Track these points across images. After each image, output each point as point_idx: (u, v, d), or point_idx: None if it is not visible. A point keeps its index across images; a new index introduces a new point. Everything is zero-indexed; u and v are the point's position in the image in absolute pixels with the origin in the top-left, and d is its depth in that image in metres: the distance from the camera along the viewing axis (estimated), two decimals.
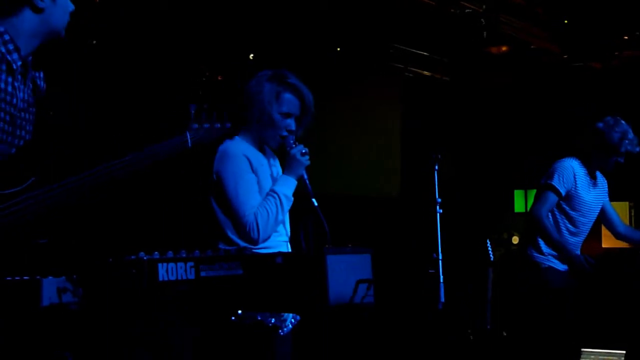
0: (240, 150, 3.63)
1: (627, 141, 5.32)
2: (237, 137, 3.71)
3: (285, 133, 3.70)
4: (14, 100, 2.77)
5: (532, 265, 5.46)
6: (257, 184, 3.63)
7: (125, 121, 6.10)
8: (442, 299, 5.31)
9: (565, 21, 7.50)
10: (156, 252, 2.71)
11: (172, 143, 2.97)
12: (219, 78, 7.64)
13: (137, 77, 6.42)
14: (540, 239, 5.42)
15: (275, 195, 3.59)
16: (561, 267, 5.44)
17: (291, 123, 3.73)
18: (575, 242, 5.49)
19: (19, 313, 2.75)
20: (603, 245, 7.76)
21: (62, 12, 2.84)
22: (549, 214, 5.40)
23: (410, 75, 8.97)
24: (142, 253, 2.69)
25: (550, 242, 5.37)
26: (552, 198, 5.35)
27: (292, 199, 3.65)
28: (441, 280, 5.34)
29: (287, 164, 3.69)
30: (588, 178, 5.45)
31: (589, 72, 8.90)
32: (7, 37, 2.74)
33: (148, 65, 6.54)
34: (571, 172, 5.37)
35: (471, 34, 7.86)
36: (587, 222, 5.52)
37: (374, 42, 8.08)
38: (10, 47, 2.75)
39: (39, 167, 2.77)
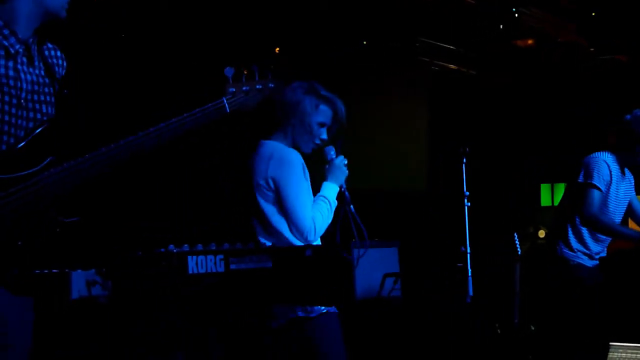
0: (297, 157, 3.80)
1: None
2: (280, 143, 3.87)
3: (318, 141, 3.93)
4: (20, 84, 2.77)
5: (561, 261, 5.43)
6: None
7: (152, 100, 6.11)
8: (471, 293, 5.30)
9: (593, 14, 7.43)
10: (186, 245, 2.72)
11: (206, 109, 2.86)
12: (245, 72, 7.64)
13: (163, 74, 6.44)
14: (571, 235, 5.40)
15: (326, 200, 3.81)
16: (589, 263, 5.42)
17: (324, 132, 3.95)
18: (604, 238, 5.46)
19: (49, 306, 2.76)
20: None
21: None
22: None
23: (437, 69, 8.93)
24: (171, 246, 2.69)
25: (616, 234, 5.34)
26: (598, 195, 5.29)
27: (336, 203, 3.86)
28: (469, 274, 5.32)
29: (331, 172, 3.91)
30: (620, 173, 5.41)
31: (616, 65, 8.82)
32: (0, 22, 2.76)
33: (176, 63, 6.56)
34: (606, 167, 5.33)
35: (497, 27, 7.82)
36: (616, 216, 5.48)
37: (400, 35, 8.05)
38: (6, 32, 2.76)
39: (57, 146, 2.76)
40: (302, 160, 3.84)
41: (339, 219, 3.85)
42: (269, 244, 3.69)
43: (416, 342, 6.34)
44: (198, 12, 6.42)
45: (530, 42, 8.59)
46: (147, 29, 6.32)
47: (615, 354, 4.84)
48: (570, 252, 5.41)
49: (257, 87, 2.96)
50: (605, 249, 5.55)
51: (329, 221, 3.82)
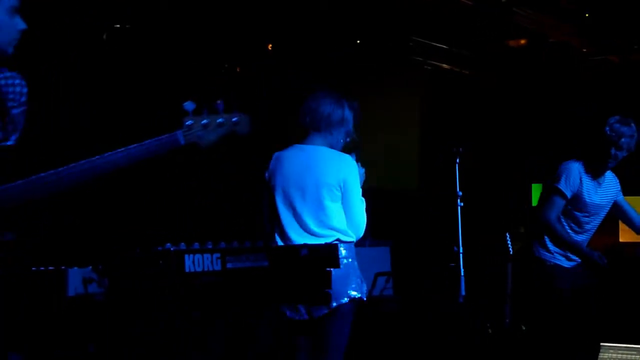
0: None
1: (631, 141, 5.34)
2: (328, 148, 4.24)
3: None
4: None
5: (538, 263, 5.47)
6: None
7: (131, 115, 6.09)
8: (463, 292, 5.31)
9: (587, 14, 7.45)
10: (182, 243, 2.73)
11: (160, 141, 2.75)
12: (238, 69, 7.66)
13: (154, 71, 6.43)
14: (547, 238, 5.44)
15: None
16: (567, 264, 5.46)
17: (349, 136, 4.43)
18: (581, 241, 5.50)
19: (45, 303, 2.77)
20: (620, 240, 7.74)
21: (5, 31, 2.79)
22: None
23: (430, 68, 8.95)
24: (168, 244, 2.71)
25: (564, 245, 5.39)
26: (560, 201, 5.35)
27: None
28: (462, 274, 5.34)
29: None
30: (593, 179, 5.45)
31: (607, 66, 8.85)
32: None
33: (166, 59, 6.55)
34: (577, 174, 5.38)
35: (490, 27, 7.84)
36: (592, 222, 5.53)
37: (393, 35, 8.06)
38: None
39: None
40: None
41: None
42: (315, 240, 3.93)
43: (408, 341, 6.36)
44: (192, 13, 6.43)
45: (522, 42, 8.60)
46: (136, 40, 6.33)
47: (606, 354, 4.86)
48: (547, 254, 5.45)
49: (219, 120, 2.83)
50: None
51: None
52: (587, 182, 5.40)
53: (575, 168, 5.38)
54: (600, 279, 5.51)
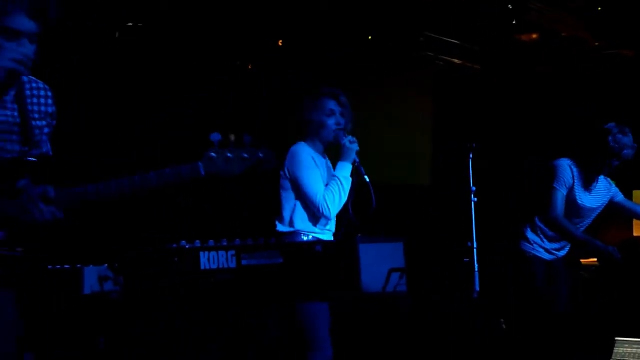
0: (303, 148, 4.56)
1: (632, 152, 5.38)
2: (298, 142, 4.59)
3: (334, 127, 4.65)
4: None
5: (518, 255, 5.54)
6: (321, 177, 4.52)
7: (142, 115, 6.09)
8: (477, 288, 5.32)
9: (599, 8, 7.43)
10: (197, 241, 2.74)
11: (182, 170, 2.76)
12: (249, 67, 7.66)
13: (167, 70, 6.44)
14: (528, 230, 5.51)
15: (336, 178, 4.50)
16: (547, 256, 5.52)
17: (334, 118, 4.68)
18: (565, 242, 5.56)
19: (62, 300, 2.79)
20: (635, 234, 7.72)
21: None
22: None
23: (441, 63, 8.92)
24: (183, 242, 2.71)
25: (575, 240, 5.44)
26: (560, 198, 5.40)
27: (350, 179, 4.58)
28: (476, 269, 5.34)
29: (342, 153, 4.60)
30: (583, 180, 5.48)
31: (621, 60, 8.81)
32: None
33: (179, 57, 6.56)
34: (569, 172, 5.43)
35: (502, 22, 7.82)
36: (579, 222, 5.57)
37: (404, 30, 8.05)
38: None
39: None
40: (316, 155, 4.59)
41: (354, 189, 4.59)
42: (285, 229, 4.34)
43: (422, 337, 6.36)
44: (200, 11, 6.44)
45: (534, 36, 8.57)
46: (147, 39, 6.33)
47: (621, 349, 4.86)
48: (527, 245, 5.55)
49: (244, 155, 2.79)
50: (567, 249, 5.63)
51: (345, 196, 4.53)
52: (578, 181, 5.45)
53: (567, 166, 5.44)
54: (614, 273, 5.52)
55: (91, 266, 2.93)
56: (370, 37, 7.90)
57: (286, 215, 4.42)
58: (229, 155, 2.77)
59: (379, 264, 6.75)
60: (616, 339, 5.04)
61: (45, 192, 2.66)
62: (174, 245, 2.71)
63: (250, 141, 2.82)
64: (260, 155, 2.82)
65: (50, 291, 2.69)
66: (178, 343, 3.00)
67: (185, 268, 2.67)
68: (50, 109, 2.95)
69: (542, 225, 5.54)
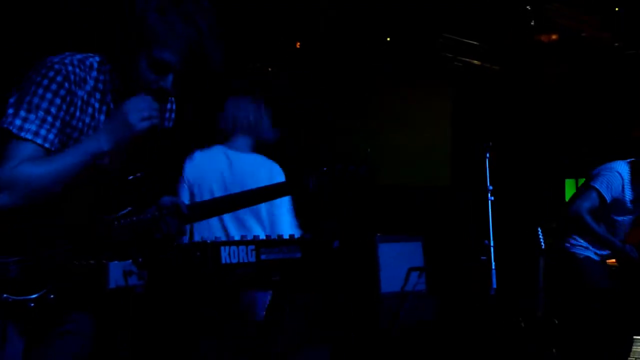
0: None
1: None
2: None
3: None
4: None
5: (569, 257, 5.49)
6: None
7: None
8: (495, 286, 5.34)
9: (617, 9, 7.43)
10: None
11: (288, 185, 3.01)
12: (269, 69, 7.72)
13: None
14: (574, 233, 5.46)
15: None
16: (597, 257, 5.48)
17: None
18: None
19: (87, 295, 2.84)
20: None
21: None
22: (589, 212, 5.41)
23: (460, 64, 8.96)
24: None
25: (594, 238, 5.39)
26: (596, 201, 5.35)
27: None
28: (493, 267, 5.37)
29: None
30: (636, 182, 5.42)
31: None
32: None
33: None
34: (619, 180, 5.36)
35: (521, 22, 7.84)
36: (626, 223, 5.54)
37: (423, 32, 8.09)
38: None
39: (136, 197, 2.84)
40: None
41: None
42: None
43: (442, 336, 6.40)
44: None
45: (554, 37, 8.58)
46: None
47: None
48: (578, 247, 5.47)
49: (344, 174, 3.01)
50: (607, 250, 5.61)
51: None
52: (629, 186, 5.39)
53: (618, 174, 5.36)
54: (633, 272, 5.53)
55: (116, 261, 3.00)
56: (388, 39, 7.95)
57: None
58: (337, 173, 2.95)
59: (398, 263, 6.83)
60: (634, 337, 5.06)
61: (177, 207, 2.73)
62: (196, 240, 2.78)
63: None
64: (362, 171, 3.00)
65: (75, 285, 2.75)
66: (199, 336, 3.07)
67: (207, 262, 2.75)
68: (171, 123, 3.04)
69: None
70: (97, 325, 2.82)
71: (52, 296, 2.56)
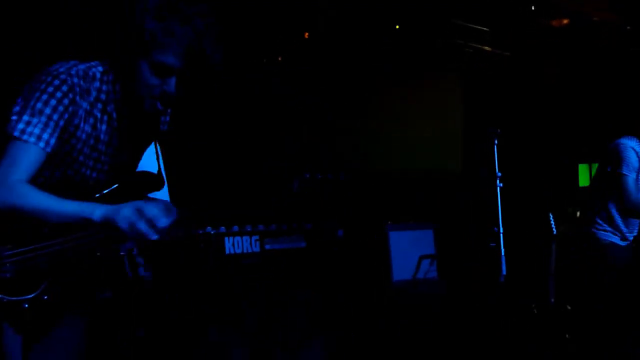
0: None
1: None
2: None
3: None
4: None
5: (593, 240, 5.47)
6: None
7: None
8: (504, 272, 5.34)
9: None
10: (222, 227, 2.83)
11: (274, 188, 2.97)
12: (279, 59, 7.73)
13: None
14: (603, 216, 5.44)
15: None
16: (622, 242, 5.45)
17: None
18: (635, 221, 5.50)
19: (81, 297, 2.87)
20: None
21: None
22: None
23: (471, 50, 8.93)
24: (209, 227, 2.80)
25: None
26: (631, 181, 5.32)
27: None
28: (502, 254, 5.36)
29: None
30: None
31: None
32: None
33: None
34: (634, 153, 5.33)
35: (531, 8, 7.81)
36: None
37: (434, 18, 8.07)
38: None
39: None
40: None
41: None
42: None
43: (454, 323, 6.40)
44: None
45: (565, 21, 8.54)
46: None
47: None
48: (602, 232, 5.44)
49: (329, 177, 3.00)
50: (636, 230, 5.58)
51: None
52: None
53: (630, 148, 5.34)
54: None
55: (122, 253, 3.02)
56: (397, 27, 7.94)
57: None
58: (318, 176, 2.94)
59: (410, 250, 6.85)
60: None
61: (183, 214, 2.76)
62: (200, 231, 2.80)
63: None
64: (342, 177, 2.98)
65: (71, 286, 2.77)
66: (205, 325, 3.09)
67: (210, 253, 2.76)
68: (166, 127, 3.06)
69: (615, 212, 5.47)
70: (92, 328, 2.85)
71: (46, 297, 2.59)
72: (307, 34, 7.36)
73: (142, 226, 2.54)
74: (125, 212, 2.55)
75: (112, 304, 2.88)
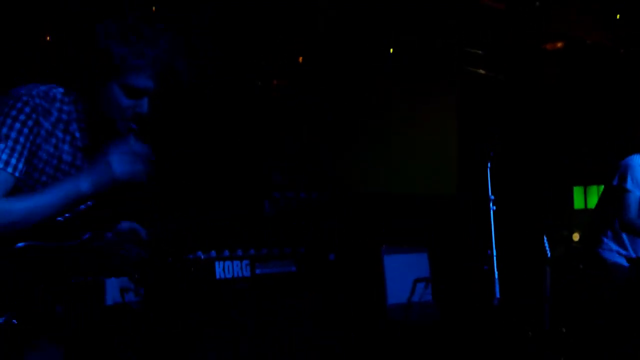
0: None
1: None
2: None
3: None
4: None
5: (599, 261, 5.45)
6: None
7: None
8: (498, 295, 5.32)
9: (618, 16, 7.43)
10: (213, 251, 2.82)
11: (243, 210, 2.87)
12: (275, 82, 7.75)
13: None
14: (610, 236, 5.43)
15: None
16: (627, 264, 5.45)
17: None
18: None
19: (85, 312, 2.86)
20: None
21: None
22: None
23: (465, 73, 8.95)
24: (199, 252, 2.80)
25: None
26: (633, 199, 5.32)
27: None
28: (496, 277, 5.35)
29: None
30: None
31: None
32: None
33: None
34: None
35: (526, 31, 7.85)
36: None
37: (429, 41, 8.10)
38: None
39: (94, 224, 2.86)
40: None
41: None
42: None
43: (449, 346, 6.39)
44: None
45: (559, 45, 8.58)
46: None
47: None
48: (609, 252, 5.43)
49: (301, 195, 2.92)
50: None
51: None
52: None
53: (638, 165, 5.35)
54: None
55: (113, 278, 3.02)
56: (391, 50, 7.97)
57: None
58: (288, 194, 2.86)
59: (404, 274, 6.83)
60: None
61: (135, 233, 2.74)
62: (190, 256, 2.80)
63: (304, 185, 2.93)
64: (313, 196, 2.90)
65: (73, 302, 2.77)
66: (195, 350, 3.08)
67: (201, 278, 2.76)
68: None
69: (623, 233, 5.44)
70: (66, 356, 2.83)
71: (14, 322, 2.58)
72: (300, 58, 7.38)
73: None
74: (114, 158, 2.58)
75: (89, 333, 2.86)
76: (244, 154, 6.16)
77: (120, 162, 2.59)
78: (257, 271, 2.85)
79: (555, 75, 9.13)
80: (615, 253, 5.43)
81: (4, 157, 2.58)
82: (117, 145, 2.63)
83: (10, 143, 2.59)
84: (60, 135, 2.72)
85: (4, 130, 2.59)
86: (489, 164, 5.52)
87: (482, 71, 9.07)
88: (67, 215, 2.73)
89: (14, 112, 2.61)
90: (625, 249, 5.46)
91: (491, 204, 5.42)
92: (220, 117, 6.58)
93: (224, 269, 2.80)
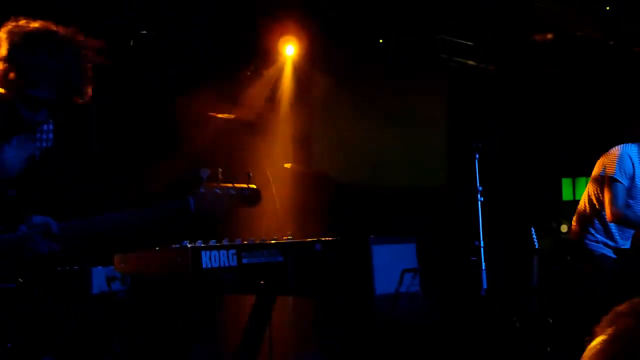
0: None
1: None
2: None
3: None
4: None
5: (586, 253, 5.45)
6: None
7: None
8: (485, 286, 5.35)
9: (607, 7, 7.43)
10: (200, 241, 2.82)
11: (172, 205, 2.74)
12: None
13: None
14: (597, 227, 5.43)
15: None
16: (613, 255, 5.45)
17: None
18: (631, 231, 5.48)
19: (71, 300, 2.87)
20: None
21: None
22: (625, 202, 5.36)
23: (455, 65, 8.95)
24: (185, 242, 2.80)
25: None
26: (621, 189, 5.30)
27: None
28: (483, 267, 5.37)
29: None
30: None
31: (636, 57, 8.79)
32: None
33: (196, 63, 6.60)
34: (629, 160, 5.32)
35: (516, 23, 7.85)
36: (637, 205, 5.49)
37: (419, 32, 8.10)
38: None
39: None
40: None
41: None
42: None
43: (436, 336, 6.40)
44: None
45: (549, 36, 8.58)
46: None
47: None
48: (595, 244, 5.43)
49: (231, 192, 2.80)
50: (629, 242, 5.57)
51: None
52: (639, 166, 5.35)
53: (626, 154, 5.33)
54: None
55: (99, 267, 3.02)
56: (380, 41, 7.96)
57: None
58: (217, 191, 2.77)
59: (392, 264, 6.84)
60: None
61: (46, 226, 2.71)
62: (177, 246, 2.79)
63: (237, 179, 2.86)
64: (246, 192, 2.82)
65: (59, 291, 2.77)
66: (180, 339, 3.08)
67: (187, 267, 2.75)
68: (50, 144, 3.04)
69: (611, 224, 5.43)
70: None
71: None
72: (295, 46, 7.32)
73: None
74: None
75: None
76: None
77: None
78: (244, 261, 2.85)
79: (544, 68, 9.14)
80: (601, 245, 5.43)
81: None
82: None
83: None
84: None
85: None
86: (477, 156, 5.53)
87: (472, 62, 9.07)
88: None
89: None
90: (613, 240, 5.46)
91: (479, 195, 5.43)
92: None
93: (210, 259, 2.80)
